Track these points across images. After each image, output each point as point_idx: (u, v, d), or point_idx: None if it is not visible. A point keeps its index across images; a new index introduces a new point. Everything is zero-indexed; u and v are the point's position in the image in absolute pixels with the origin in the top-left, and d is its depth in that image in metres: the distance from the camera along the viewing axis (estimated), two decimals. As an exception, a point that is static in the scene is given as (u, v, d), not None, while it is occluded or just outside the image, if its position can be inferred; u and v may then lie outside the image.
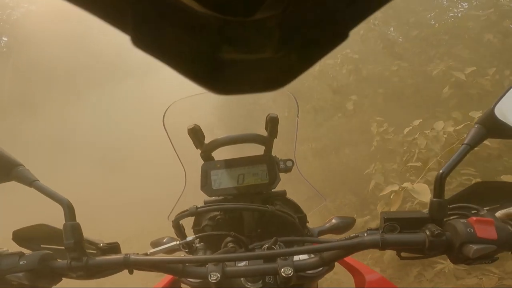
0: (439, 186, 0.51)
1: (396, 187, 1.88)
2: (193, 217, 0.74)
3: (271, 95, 6.40)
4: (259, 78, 0.17)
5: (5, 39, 14.25)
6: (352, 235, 0.53)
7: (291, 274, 0.50)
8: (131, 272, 0.55)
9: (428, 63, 3.51)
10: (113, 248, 0.60)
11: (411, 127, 2.76)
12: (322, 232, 0.81)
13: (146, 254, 0.56)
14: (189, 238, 0.62)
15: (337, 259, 0.53)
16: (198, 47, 0.15)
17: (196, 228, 0.75)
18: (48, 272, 0.54)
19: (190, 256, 0.58)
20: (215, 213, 0.73)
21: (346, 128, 4.55)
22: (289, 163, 0.79)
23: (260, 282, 0.55)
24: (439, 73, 3.29)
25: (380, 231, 0.51)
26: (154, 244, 0.82)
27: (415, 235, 0.49)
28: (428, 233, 0.48)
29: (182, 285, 0.77)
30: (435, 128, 2.61)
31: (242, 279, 0.55)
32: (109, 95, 12.75)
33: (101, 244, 0.60)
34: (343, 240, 0.52)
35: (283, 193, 0.78)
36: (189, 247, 0.63)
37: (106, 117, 12.15)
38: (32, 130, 11.09)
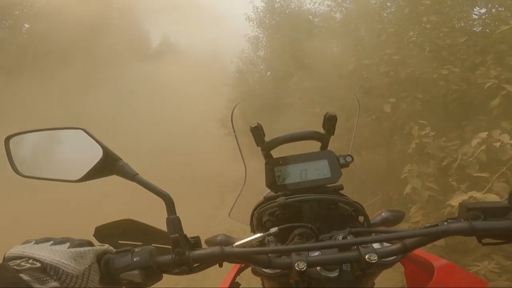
0: None
1: (465, 196, 1.84)
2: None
3: (298, 94, 6.42)
4: None
5: (27, 25, 14.53)
6: (429, 224, 0.56)
7: (376, 260, 0.52)
8: (221, 265, 0.56)
9: (474, 70, 3.44)
10: (197, 241, 0.60)
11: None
12: (373, 226, 0.82)
13: (234, 247, 0.56)
14: (272, 230, 0.63)
15: (420, 246, 0.55)
16: None
17: (261, 223, 0.77)
18: (155, 269, 0.52)
19: (278, 247, 0.60)
20: (274, 209, 0.76)
21: (375, 130, 4.50)
22: (348, 159, 0.81)
23: (337, 270, 0.57)
24: (485, 80, 3.22)
25: (462, 219, 0.54)
26: (209, 242, 0.83)
27: (502, 222, 0.52)
28: None
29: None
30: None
31: (318, 268, 0.57)
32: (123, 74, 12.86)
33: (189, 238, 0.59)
34: (428, 227, 0.54)
35: (340, 187, 0.80)
36: (260, 242, 0.63)
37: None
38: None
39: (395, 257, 0.56)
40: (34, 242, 0.50)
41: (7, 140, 0.64)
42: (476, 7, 4.62)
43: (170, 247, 0.54)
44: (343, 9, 8.05)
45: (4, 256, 0.48)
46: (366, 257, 0.52)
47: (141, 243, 0.59)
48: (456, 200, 1.95)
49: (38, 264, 0.46)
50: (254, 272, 0.61)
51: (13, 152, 0.63)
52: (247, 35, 11.80)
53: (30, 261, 0.46)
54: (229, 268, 0.87)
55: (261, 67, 10.85)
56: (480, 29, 4.19)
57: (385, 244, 0.58)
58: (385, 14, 7.22)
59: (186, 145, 9.92)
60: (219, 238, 0.82)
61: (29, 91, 11.06)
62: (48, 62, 12.48)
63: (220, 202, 7.23)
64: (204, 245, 0.67)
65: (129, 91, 13.20)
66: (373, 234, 0.64)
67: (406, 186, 3.11)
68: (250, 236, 0.61)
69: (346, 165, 0.81)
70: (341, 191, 0.80)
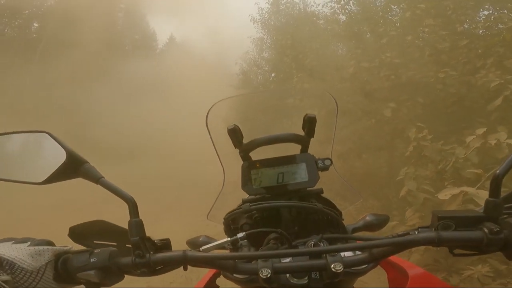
0: (495, 186, 0.51)
1: (456, 191, 1.84)
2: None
3: (299, 95, 6.43)
4: None
5: (36, 25, 14.71)
6: (401, 232, 0.54)
7: (341, 270, 0.51)
8: (185, 269, 0.55)
9: (474, 73, 3.43)
10: (166, 244, 0.60)
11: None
12: (356, 229, 0.81)
13: (199, 251, 0.56)
14: (239, 235, 0.62)
15: (387, 256, 0.54)
16: None
17: (234, 226, 0.76)
18: (114, 270, 0.53)
19: (242, 253, 0.60)
20: (253, 212, 0.74)
21: (375, 133, 4.50)
22: (327, 162, 0.80)
23: (306, 278, 0.56)
24: (484, 83, 3.22)
25: (433, 229, 0.52)
26: (191, 243, 0.84)
27: (472, 233, 0.50)
28: (486, 230, 0.49)
29: (219, 283, 0.83)
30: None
31: (287, 275, 0.56)
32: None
33: (156, 241, 0.59)
34: (395, 237, 0.52)
35: (320, 191, 0.79)
36: (233, 245, 0.64)
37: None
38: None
39: (365, 266, 0.56)
40: None
41: None
42: (480, 10, 4.61)
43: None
44: (347, 11, 8.05)
45: None
46: (332, 266, 0.51)
47: (115, 244, 0.59)
48: (444, 194, 1.94)
49: None
50: (225, 276, 0.61)
51: None
52: (251, 36, 11.85)
53: None
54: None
55: (266, 68, 10.89)
56: (482, 31, 4.18)
57: (357, 252, 0.57)
58: (389, 17, 7.23)
59: (190, 146, 10.00)
60: (200, 239, 0.82)
61: (38, 82, 11.23)
62: (55, 58, 12.66)
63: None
64: (185, 247, 0.68)
65: (131, 90, 13.32)
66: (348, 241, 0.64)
67: (402, 188, 3.12)
68: (219, 240, 0.62)
69: (326, 168, 0.79)
70: (322, 195, 0.78)
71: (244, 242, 0.63)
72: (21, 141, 0.68)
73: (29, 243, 0.52)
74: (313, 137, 0.80)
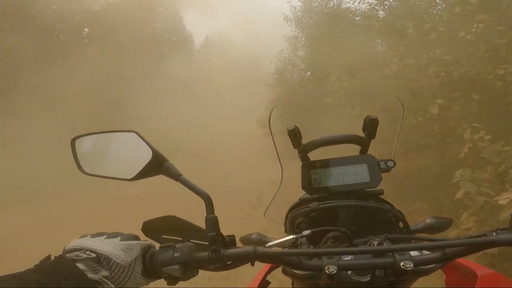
0: None
1: None
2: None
3: (337, 94, 6.34)
4: None
5: (87, 30, 15.70)
6: (474, 234, 0.53)
7: (411, 268, 0.50)
8: (253, 264, 0.57)
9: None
10: (232, 240, 0.61)
11: None
12: (415, 232, 0.79)
13: (265, 247, 0.58)
14: (305, 233, 0.63)
15: (462, 256, 0.53)
16: None
17: (294, 225, 0.77)
18: (192, 264, 0.54)
19: (308, 250, 0.60)
20: (309, 213, 0.75)
21: (423, 132, 4.33)
22: (390, 163, 0.78)
23: (369, 275, 0.56)
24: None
25: None
26: (244, 240, 0.85)
27: None
28: None
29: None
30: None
31: (349, 272, 0.56)
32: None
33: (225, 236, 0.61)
34: (472, 237, 0.51)
35: (380, 192, 0.78)
36: (293, 243, 0.64)
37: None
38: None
39: (433, 265, 0.55)
40: (90, 236, 0.54)
41: (73, 141, 0.69)
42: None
43: (207, 243, 0.56)
44: (386, 7, 7.78)
45: (64, 249, 0.52)
46: (401, 264, 0.51)
47: (181, 239, 0.61)
48: (504, 198, 1.87)
49: (94, 255, 0.50)
50: (285, 272, 0.61)
51: (78, 152, 0.69)
52: (285, 35, 11.82)
53: (87, 252, 0.50)
54: (260, 266, 0.88)
55: (301, 67, 10.83)
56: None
57: (425, 252, 0.57)
58: (434, 12, 6.88)
59: (227, 146, 10.23)
60: (253, 237, 0.83)
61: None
62: (104, 61, 13.51)
63: (258, 201, 7.33)
64: (239, 243, 0.70)
65: (170, 91, 13.88)
66: (413, 241, 0.63)
67: (458, 191, 2.99)
68: (283, 237, 0.63)
69: (388, 170, 0.78)
70: (381, 196, 0.78)
71: (303, 240, 0.63)
72: (112, 140, 0.73)
73: (120, 237, 0.54)
74: (374, 138, 0.80)
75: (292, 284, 0.84)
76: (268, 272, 0.86)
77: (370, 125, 0.77)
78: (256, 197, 7.59)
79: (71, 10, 14.21)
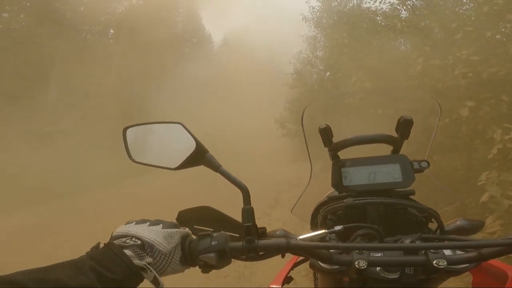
0: None
1: None
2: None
3: (359, 95, 6.30)
4: None
5: (112, 31, 16.22)
6: (510, 236, 0.53)
7: (445, 266, 0.51)
8: (283, 256, 0.59)
9: None
10: (264, 232, 0.62)
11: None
12: (446, 233, 0.78)
13: (297, 240, 0.59)
14: (337, 228, 0.63)
15: (497, 257, 0.54)
16: None
17: (314, 222, 0.80)
18: (227, 253, 0.56)
19: (341, 244, 0.62)
20: (340, 209, 0.76)
21: (450, 133, 4.26)
22: (424, 164, 0.77)
23: (399, 272, 0.56)
24: None
25: None
26: (270, 235, 0.86)
27: None
28: None
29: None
30: None
31: (378, 268, 0.56)
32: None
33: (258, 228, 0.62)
34: (508, 239, 0.52)
35: (411, 192, 0.77)
36: (322, 238, 0.65)
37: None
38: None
39: (466, 265, 0.55)
40: (134, 223, 0.56)
41: (125, 130, 0.73)
42: None
43: (237, 235, 0.58)
44: (409, 6, 7.65)
45: (112, 235, 0.55)
46: (434, 262, 0.51)
47: (212, 230, 0.61)
48: None
49: (139, 242, 0.52)
50: (312, 266, 0.62)
51: (128, 141, 0.72)
52: (304, 35, 11.79)
53: (133, 239, 0.52)
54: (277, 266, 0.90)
55: (320, 67, 10.78)
56: None
57: (458, 252, 0.57)
58: (460, 11, 6.71)
59: (245, 146, 10.32)
60: (278, 233, 0.83)
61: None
62: (129, 62, 13.94)
63: (275, 201, 7.35)
64: None
65: (190, 91, 14.16)
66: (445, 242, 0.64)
67: (483, 194, 2.94)
68: (314, 232, 0.63)
69: (421, 170, 0.77)
70: (411, 197, 0.78)
71: (332, 236, 0.64)
72: (158, 131, 0.76)
73: (161, 225, 0.56)
74: (407, 139, 0.79)
75: (315, 280, 0.87)
76: (292, 267, 0.88)
77: (404, 126, 0.77)
78: (274, 196, 7.63)
79: (97, 12, 14.72)
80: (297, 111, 8.58)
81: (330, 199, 0.78)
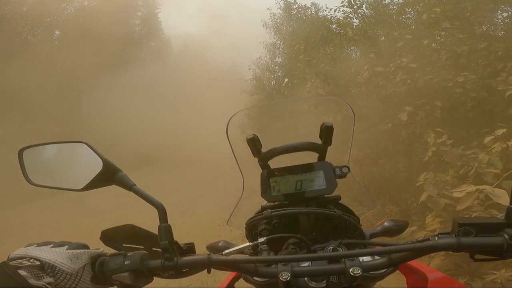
0: None
1: (473, 188, 1.84)
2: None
3: (313, 101, 6.44)
4: None
5: (58, 32, 15.25)
6: (420, 238, 0.55)
7: (360, 274, 0.52)
8: (209, 271, 0.57)
9: (495, 76, 3.36)
10: (191, 248, 0.62)
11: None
12: (374, 235, 0.82)
13: (222, 255, 0.58)
14: (260, 240, 0.64)
15: (407, 261, 0.55)
16: None
17: (254, 232, 0.78)
18: (145, 272, 0.55)
19: (263, 257, 0.60)
20: (273, 218, 0.76)
21: (392, 138, 4.44)
22: (345, 170, 0.80)
23: (324, 281, 0.57)
24: (505, 87, 3.15)
25: (453, 235, 0.53)
26: (211, 248, 0.86)
27: (493, 239, 0.51)
28: (506, 236, 0.50)
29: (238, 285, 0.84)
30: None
31: (306, 278, 0.57)
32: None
33: (181, 244, 0.61)
34: (415, 243, 0.53)
35: (337, 198, 0.79)
36: (254, 249, 0.65)
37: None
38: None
39: (384, 270, 0.56)
40: (36, 245, 0.55)
41: (20, 152, 0.69)
42: (499, 11, 4.52)
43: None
44: (360, 15, 8.01)
45: (8, 257, 0.52)
46: (350, 270, 0.52)
47: (142, 247, 0.61)
48: (460, 191, 1.94)
49: (37, 263, 0.50)
50: (245, 279, 0.62)
51: (25, 163, 0.68)
52: (264, 41, 11.94)
53: (31, 260, 0.50)
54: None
55: (279, 73, 10.95)
56: (502, 33, 4.09)
57: (376, 257, 0.58)
58: (403, 20, 7.15)
59: (202, 152, 10.12)
60: (219, 244, 0.84)
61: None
62: (75, 67, 13.07)
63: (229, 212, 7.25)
64: (205, 251, 0.71)
65: (144, 97, 13.65)
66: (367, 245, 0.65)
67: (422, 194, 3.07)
68: (241, 245, 0.64)
69: (343, 176, 0.80)
70: (340, 201, 0.79)
71: (264, 247, 0.64)
72: (61, 151, 0.72)
73: (66, 246, 0.55)
74: (330, 145, 0.81)
75: None
76: (234, 280, 0.85)
77: (326, 132, 0.78)
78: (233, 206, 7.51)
79: (42, 13, 13.78)
80: (256, 117, 8.58)
81: (262, 209, 0.78)
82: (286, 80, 10.19)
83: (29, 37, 13.98)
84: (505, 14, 4.54)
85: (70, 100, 12.25)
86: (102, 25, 13.44)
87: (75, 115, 11.99)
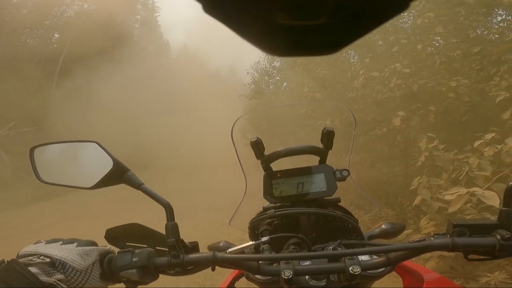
0: (509, 196, 0.55)
1: (463, 190, 1.87)
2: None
3: (311, 106, 6.45)
4: (313, 43, 0.18)
5: (57, 35, 15.28)
6: (417, 239, 0.57)
7: (359, 272, 0.53)
8: (213, 269, 0.58)
9: (488, 80, 3.39)
10: (195, 246, 0.63)
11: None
12: (372, 237, 0.83)
13: (226, 253, 0.59)
14: (263, 239, 0.66)
15: (403, 260, 0.57)
16: (258, 13, 0.16)
17: (256, 232, 0.80)
18: (152, 269, 0.57)
19: (266, 255, 0.62)
20: (267, 220, 0.78)
21: (388, 142, 4.46)
22: (345, 173, 0.82)
23: (324, 280, 0.58)
24: (498, 91, 3.17)
25: (448, 235, 0.56)
26: (212, 248, 0.87)
27: (486, 239, 0.53)
28: (498, 237, 0.52)
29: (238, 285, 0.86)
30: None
31: (306, 277, 0.59)
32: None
33: (187, 243, 0.63)
34: (412, 242, 0.55)
35: (337, 200, 0.81)
36: (256, 249, 0.67)
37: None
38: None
39: (382, 269, 0.58)
40: (44, 242, 0.56)
41: (32, 150, 0.70)
42: (492, 15, 4.56)
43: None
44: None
45: (17, 254, 0.53)
46: (350, 268, 0.54)
47: (146, 246, 0.62)
48: (451, 193, 1.97)
49: (48, 260, 0.51)
50: (247, 277, 0.64)
51: (36, 161, 0.70)
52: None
53: (41, 257, 0.51)
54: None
55: (277, 78, 10.96)
56: (495, 37, 4.12)
57: (374, 256, 0.60)
58: (399, 24, 7.19)
59: (201, 158, 10.11)
60: (221, 244, 0.86)
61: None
62: (74, 71, 13.09)
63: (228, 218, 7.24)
64: (205, 250, 0.71)
65: (147, 99, 13.66)
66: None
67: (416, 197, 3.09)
68: (244, 244, 0.65)
69: (343, 179, 0.82)
70: (339, 204, 0.82)
71: (266, 246, 0.66)
72: (73, 150, 0.75)
73: (76, 243, 0.56)
74: (331, 149, 0.84)
75: None
76: (235, 279, 0.87)
77: (327, 137, 0.81)
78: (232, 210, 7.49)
79: (42, 15, 13.83)
80: (254, 120, 8.59)
81: (264, 210, 0.80)
82: (285, 84, 10.22)
83: (28, 40, 14.03)
84: (499, 18, 4.59)
85: (70, 100, 12.27)
86: (101, 28, 13.51)
87: (75, 115, 12.00)
